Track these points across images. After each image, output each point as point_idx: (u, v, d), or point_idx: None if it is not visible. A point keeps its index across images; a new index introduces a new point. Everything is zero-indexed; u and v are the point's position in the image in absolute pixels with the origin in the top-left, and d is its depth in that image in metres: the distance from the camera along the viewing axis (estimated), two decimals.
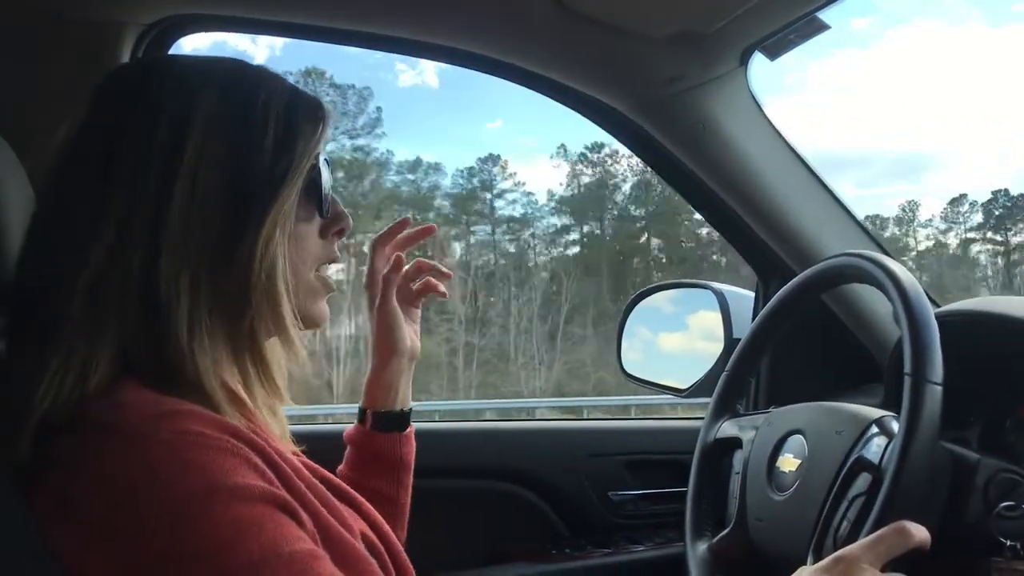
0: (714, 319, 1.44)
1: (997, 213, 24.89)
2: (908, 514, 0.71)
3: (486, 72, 1.29)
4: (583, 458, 1.46)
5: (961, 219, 25.22)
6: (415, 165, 24.82)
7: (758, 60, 1.24)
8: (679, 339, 1.62)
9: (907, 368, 0.79)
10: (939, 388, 0.77)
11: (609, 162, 25.81)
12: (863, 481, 0.82)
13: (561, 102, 1.34)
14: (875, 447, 0.83)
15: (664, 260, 25.14)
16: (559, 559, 1.38)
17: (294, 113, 0.70)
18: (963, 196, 26.37)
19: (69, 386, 0.60)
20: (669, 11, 1.11)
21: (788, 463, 0.93)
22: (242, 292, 0.66)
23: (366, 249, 0.97)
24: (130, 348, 0.63)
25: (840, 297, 1.39)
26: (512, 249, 24.73)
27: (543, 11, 1.10)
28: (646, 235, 25.53)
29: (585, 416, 11.53)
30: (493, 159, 25.59)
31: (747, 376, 1.11)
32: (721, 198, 1.38)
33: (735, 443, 1.04)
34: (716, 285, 1.49)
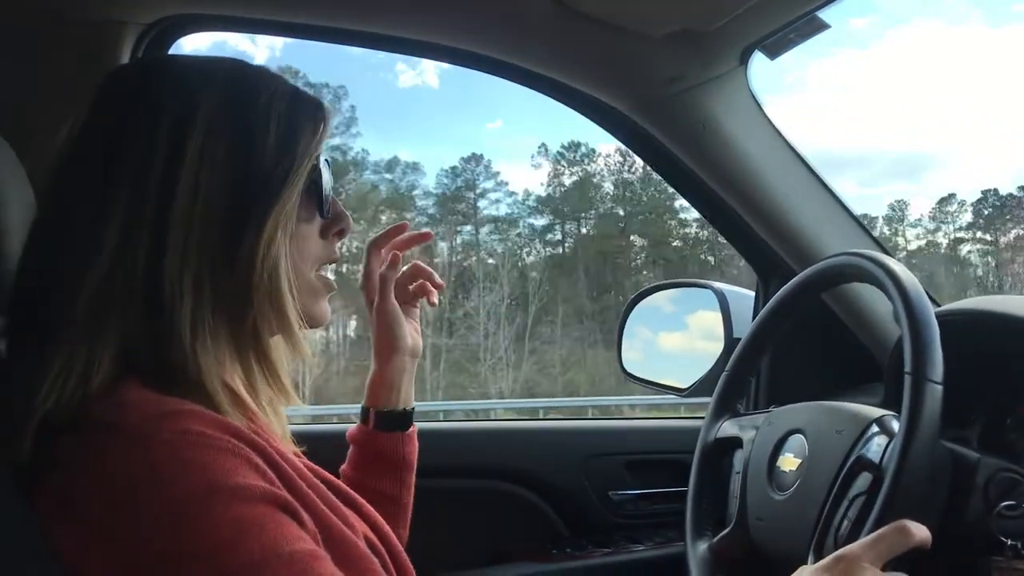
0: (714, 319, 1.44)
1: (987, 212, 24.90)
2: (909, 513, 0.71)
3: (486, 72, 1.29)
4: (583, 458, 1.46)
5: (950, 219, 25.22)
6: (392, 164, 24.09)
7: (758, 59, 1.24)
8: (679, 339, 1.62)
9: (907, 367, 0.79)
10: (939, 387, 0.77)
11: (586, 161, 25.66)
12: (863, 480, 0.82)
13: (561, 101, 1.34)
14: (875, 446, 0.83)
15: (649, 260, 25.00)
16: (560, 559, 1.38)
17: (295, 114, 0.70)
18: (952, 196, 26.39)
19: (72, 386, 0.60)
20: (669, 10, 1.11)
21: (788, 462, 0.93)
22: (244, 292, 0.66)
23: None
24: (132, 348, 0.63)
25: (840, 296, 1.39)
26: (500, 249, 24.61)
27: (543, 10, 1.10)
28: (631, 235, 25.39)
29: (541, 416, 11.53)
30: (476, 158, 25.20)
31: (747, 375, 1.11)
32: (721, 197, 1.38)
33: (735, 443, 1.04)
34: (716, 285, 1.49)
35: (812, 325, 1.41)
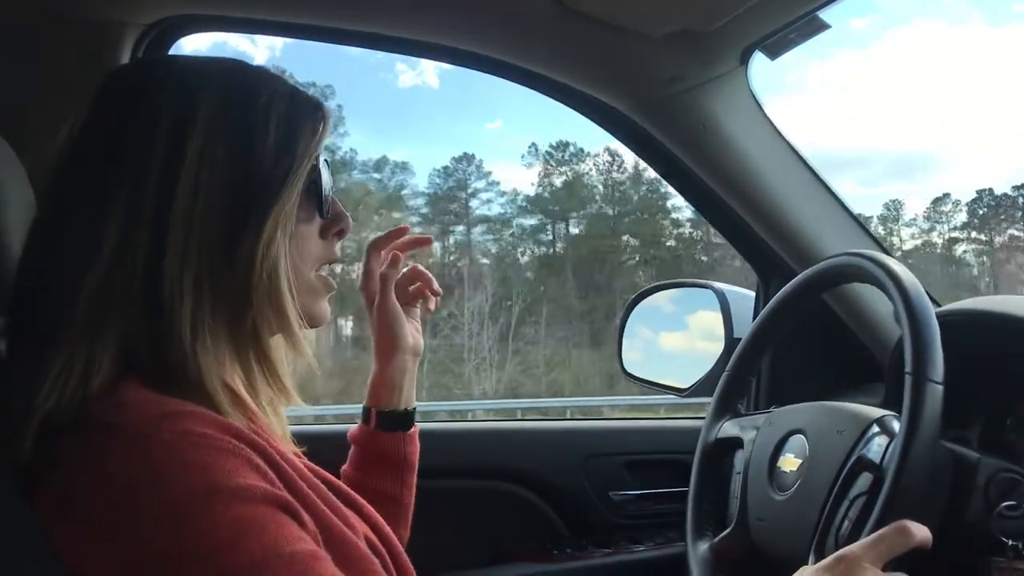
0: (715, 319, 1.44)
1: (981, 212, 24.87)
2: (909, 513, 0.71)
3: (486, 72, 1.29)
4: (584, 458, 1.46)
5: (944, 219, 25.18)
6: (381, 164, 24.07)
7: (758, 59, 1.24)
8: (680, 339, 1.62)
9: (908, 367, 0.79)
10: (940, 387, 0.77)
11: (574, 161, 25.51)
12: (864, 480, 0.82)
13: (561, 102, 1.34)
14: (876, 446, 0.83)
15: (642, 260, 24.90)
16: (560, 559, 1.38)
17: (295, 114, 0.70)
18: (946, 195, 26.34)
19: (72, 386, 0.60)
20: (669, 10, 1.11)
21: (789, 463, 0.93)
22: (244, 292, 0.66)
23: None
24: (132, 348, 0.63)
25: (841, 296, 1.39)
26: (495, 249, 24.52)
27: (543, 10, 1.10)
28: (622, 235, 25.26)
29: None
30: (468, 158, 25.07)
31: (748, 376, 1.11)
32: (721, 197, 1.38)
33: (736, 443, 1.04)
34: (717, 285, 1.49)
35: (813, 325, 1.41)
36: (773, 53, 1.22)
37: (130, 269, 0.63)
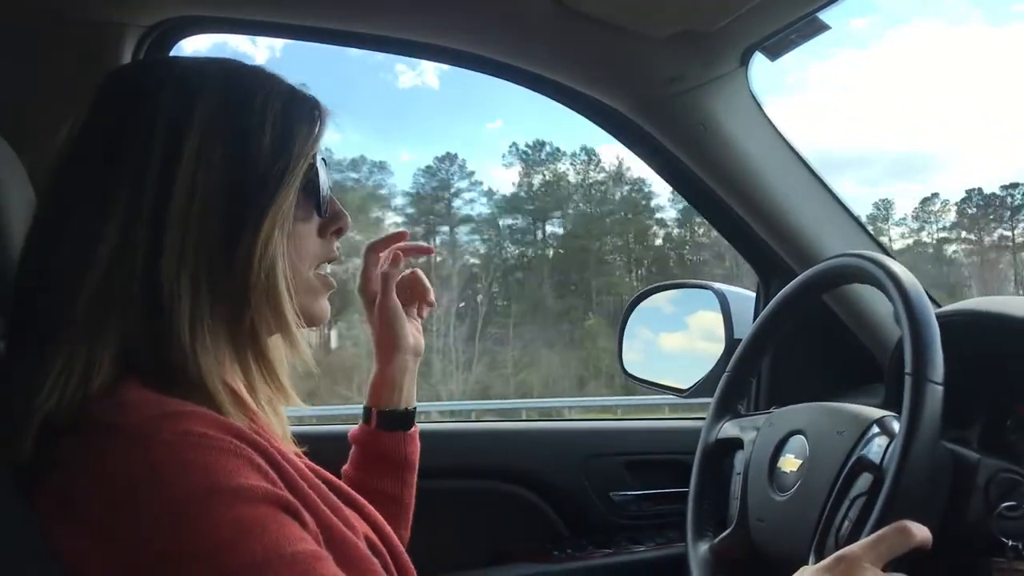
0: (715, 319, 1.44)
1: (971, 212, 24.77)
2: (909, 514, 0.71)
3: (487, 73, 1.29)
4: (584, 458, 1.46)
5: (933, 218, 25.08)
6: (357, 163, 23.38)
7: (759, 60, 1.24)
8: (680, 339, 1.62)
9: (908, 368, 0.79)
10: (940, 388, 0.77)
11: (550, 160, 25.23)
12: (864, 481, 0.82)
13: (562, 103, 1.34)
14: (876, 447, 0.83)
15: (623, 260, 24.75)
16: (560, 559, 1.38)
17: (291, 113, 0.70)
18: (935, 195, 26.22)
19: (72, 387, 0.60)
20: (670, 11, 1.11)
21: (789, 463, 0.93)
22: (242, 291, 0.66)
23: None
24: (132, 348, 0.63)
25: (841, 297, 1.39)
26: (483, 250, 24.37)
27: (543, 11, 1.10)
28: (602, 235, 25.08)
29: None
30: (451, 158, 24.69)
31: (748, 376, 1.11)
32: (721, 198, 1.38)
33: (736, 444, 1.04)
34: (717, 285, 1.49)
35: (813, 326, 1.41)
36: (773, 54, 1.22)
37: (130, 269, 0.63)
